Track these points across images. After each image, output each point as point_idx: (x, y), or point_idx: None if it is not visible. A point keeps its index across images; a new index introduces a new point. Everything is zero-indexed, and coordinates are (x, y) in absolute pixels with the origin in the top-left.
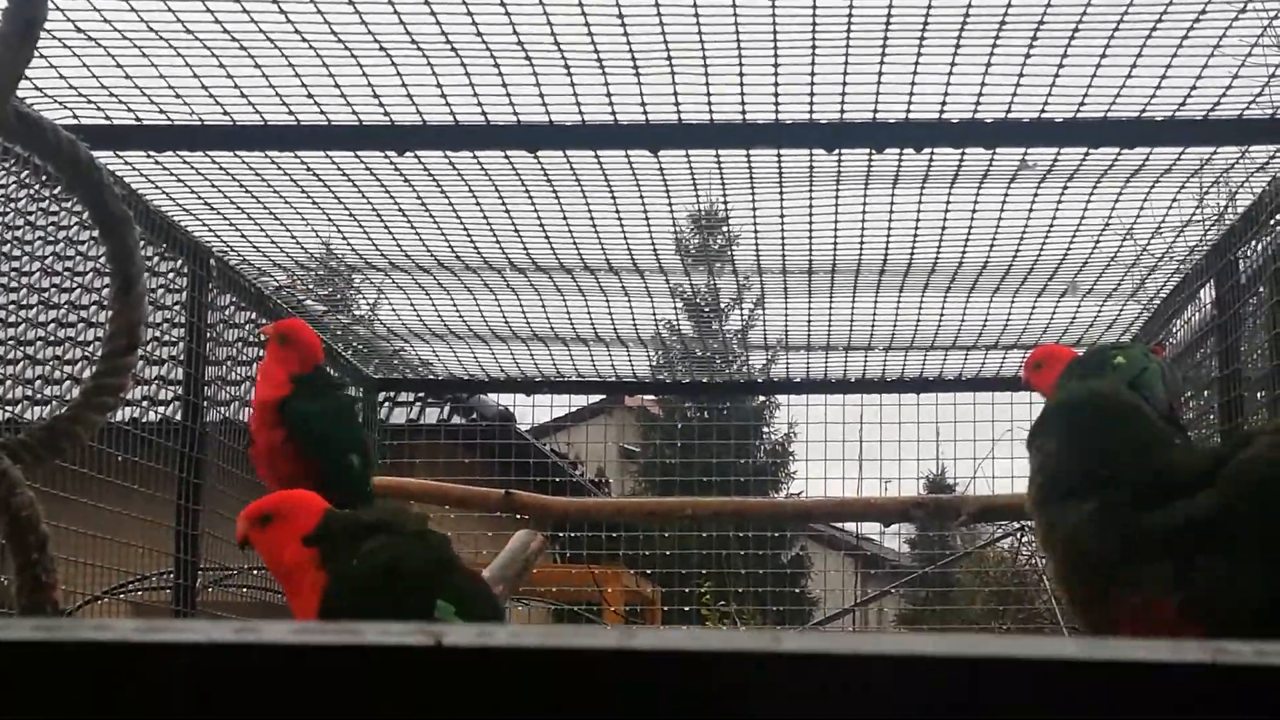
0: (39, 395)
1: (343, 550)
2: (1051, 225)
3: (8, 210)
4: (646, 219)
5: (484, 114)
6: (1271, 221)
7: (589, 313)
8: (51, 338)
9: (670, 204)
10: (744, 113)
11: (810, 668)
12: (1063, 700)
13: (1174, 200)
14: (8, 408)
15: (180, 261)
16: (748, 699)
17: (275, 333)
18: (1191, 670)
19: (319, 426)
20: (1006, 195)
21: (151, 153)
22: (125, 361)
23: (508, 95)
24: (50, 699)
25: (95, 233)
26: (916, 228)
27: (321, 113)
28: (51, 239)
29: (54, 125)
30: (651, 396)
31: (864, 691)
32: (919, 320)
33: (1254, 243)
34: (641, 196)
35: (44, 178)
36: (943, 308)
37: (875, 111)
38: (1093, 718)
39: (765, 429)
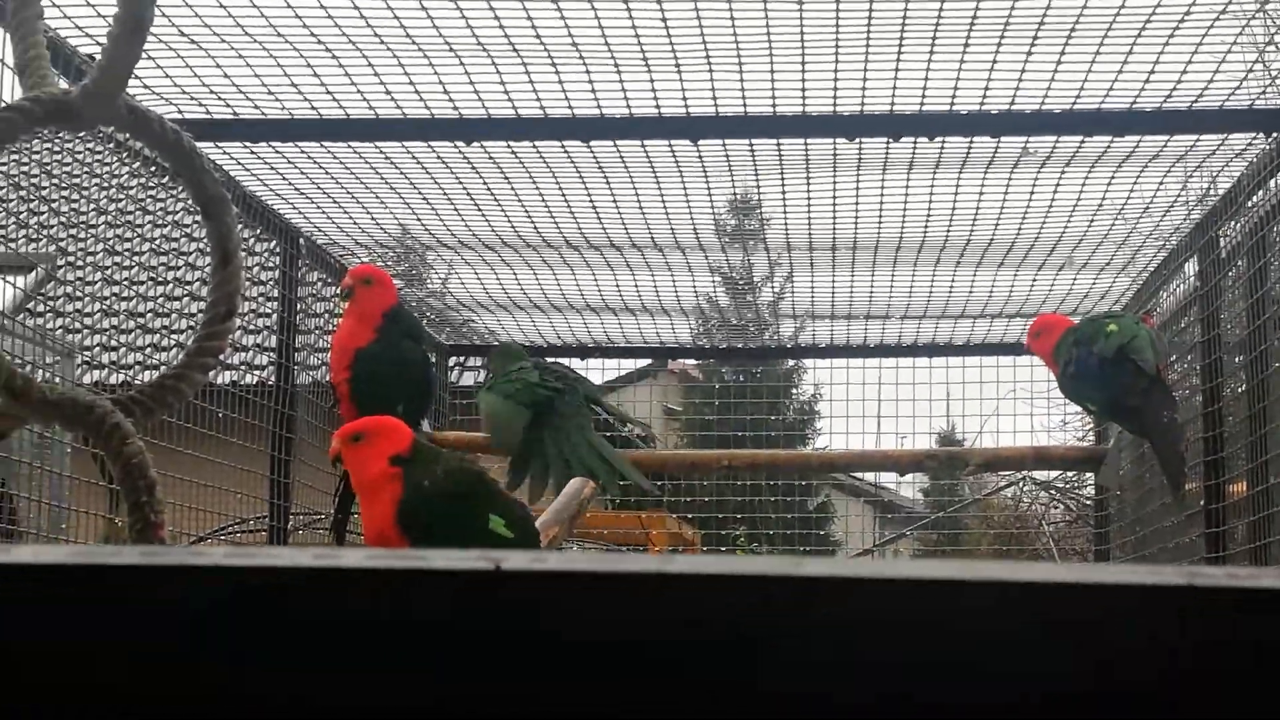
0: (149, 361)
1: (419, 471)
2: (1050, 206)
3: (121, 197)
4: (688, 202)
5: (542, 108)
6: (1249, 202)
7: (636, 286)
8: (161, 310)
9: (709, 188)
10: (774, 106)
11: (829, 589)
12: (1056, 620)
13: (1161, 183)
14: (123, 370)
15: (274, 241)
16: (775, 617)
17: (359, 276)
18: (1172, 592)
19: (376, 375)
20: (1010, 179)
21: (247, 143)
22: (224, 327)
23: (563, 91)
24: (151, 618)
25: (198, 215)
26: (929, 209)
27: (397, 107)
28: (160, 222)
29: (161, 118)
30: (692, 361)
31: (874, 611)
32: (931, 291)
33: (1233, 222)
34: (683, 182)
35: (153, 167)
36: (952, 280)
37: (892, 104)
38: (1083, 636)
39: (794, 390)
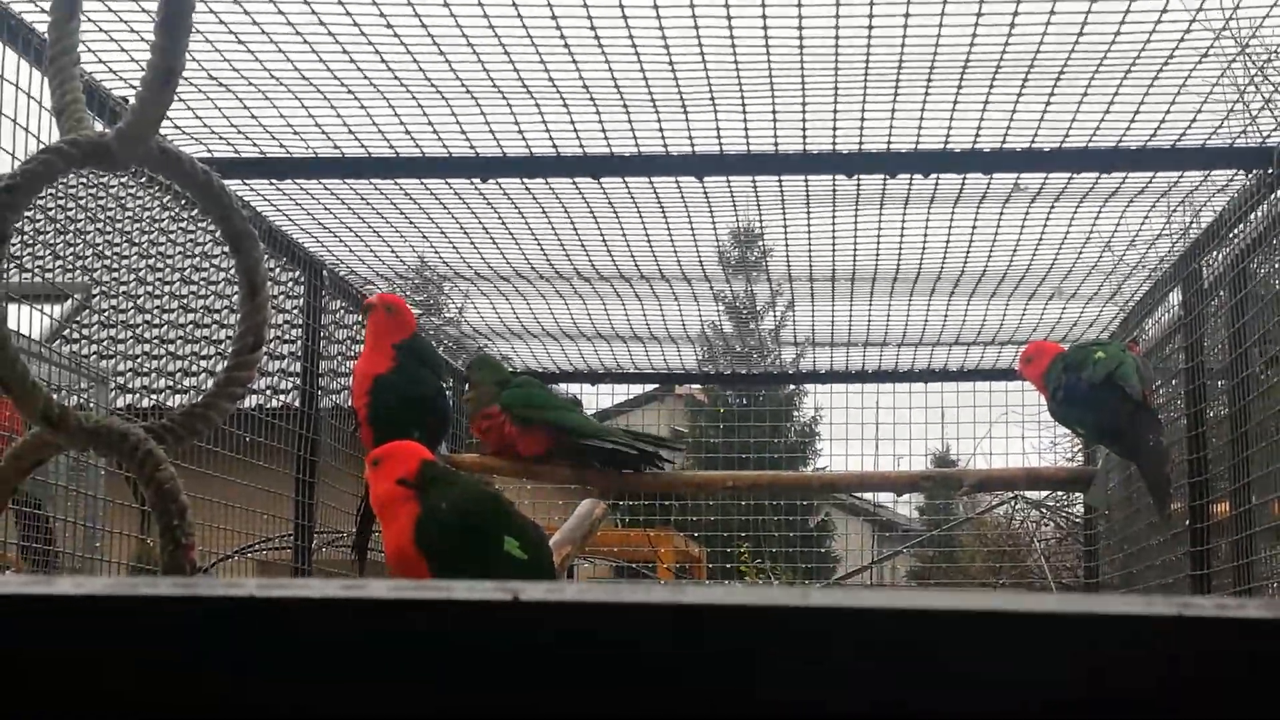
0: (179, 386)
1: (434, 494)
2: (1040, 238)
3: (152, 229)
4: (693, 235)
5: (555, 146)
6: (1231, 235)
7: (644, 314)
8: (189, 337)
9: (714, 222)
10: (776, 144)
11: (834, 618)
12: (1047, 650)
13: (1146, 217)
14: (154, 395)
15: (298, 272)
16: (783, 644)
17: (383, 303)
18: (1161, 622)
19: (393, 402)
20: (1002, 213)
21: (273, 180)
22: (252, 357)
23: (575, 130)
24: (182, 646)
25: (225, 248)
26: (924, 241)
27: (416, 145)
28: (189, 254)
29: (191, 158)
30: (698, 386)
31: (879, 640)
32: (926, 320)
33: (1215, 254)
34: (689, 216)
35: (182, 202)
36: (946, 309)
37: (889, 142)
38: (1074, 666)
39: (795, 413)
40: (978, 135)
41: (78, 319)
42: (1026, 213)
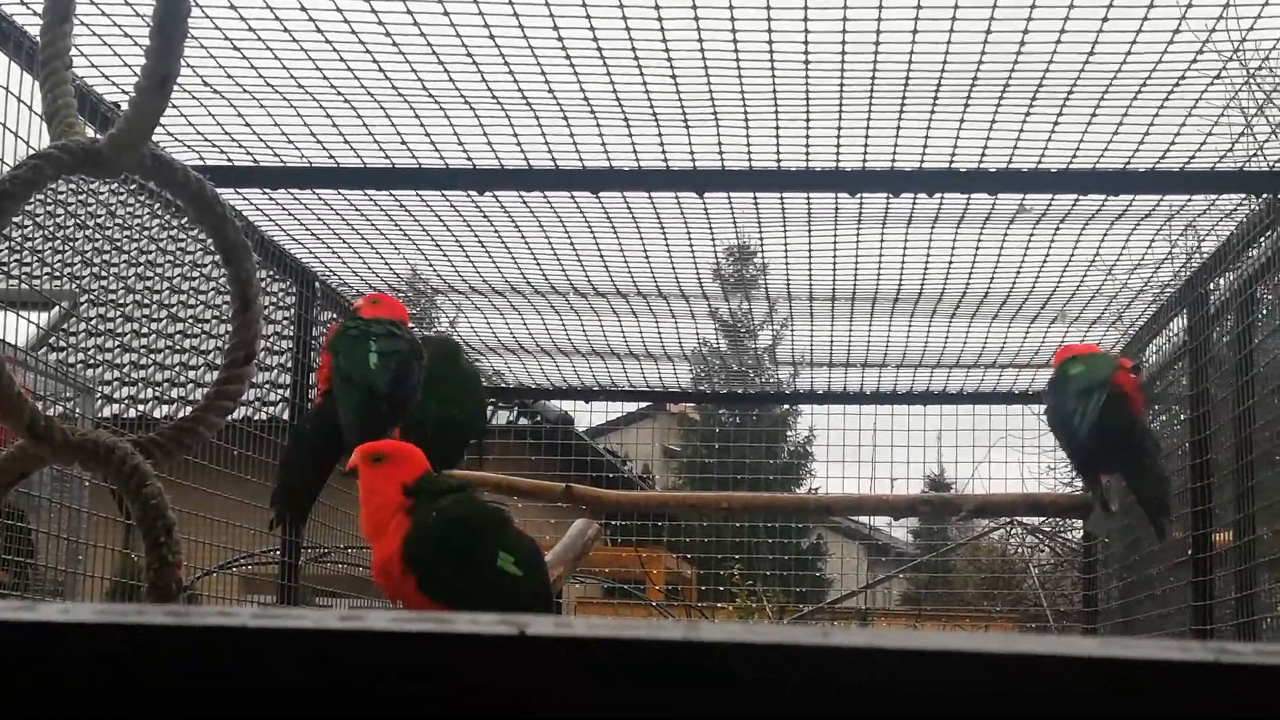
0: (166, 396)
1: (430, 504)
2: (1045, 261)
3: (140, 236)
4: (692, 251)
5: (553, 159)
6: (1238, 260)
7: (639, 331)
8: (177, 347)
9: (713, 238)
10: (779, 160)
11: (856, 658)
12: (1075, 695)
13: (1152, 241)
14: (140, 405)
15: (289, 282)
16: (798, 682)
17: (366, 300)
18: (1197, 669)
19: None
20: (1006, 234)
21: (266, 189)
22: (243, 371)
23: (574, 143)
24: (173, 677)
25: (216, 257)
26: (927, 261)
27: (413, 156)
28: (178, 262)
29: (184, 166)
30: (691, 404)
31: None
32: (926, 342)
33: (1221, 279)
34: (688, 232)
35: (171, 209)
36: (947, 331)
37: (893, 161)
38: (1105, 713)
39: (789, 433)
40: (984, 155)
41: (64, 327)
42: (1031, 234)
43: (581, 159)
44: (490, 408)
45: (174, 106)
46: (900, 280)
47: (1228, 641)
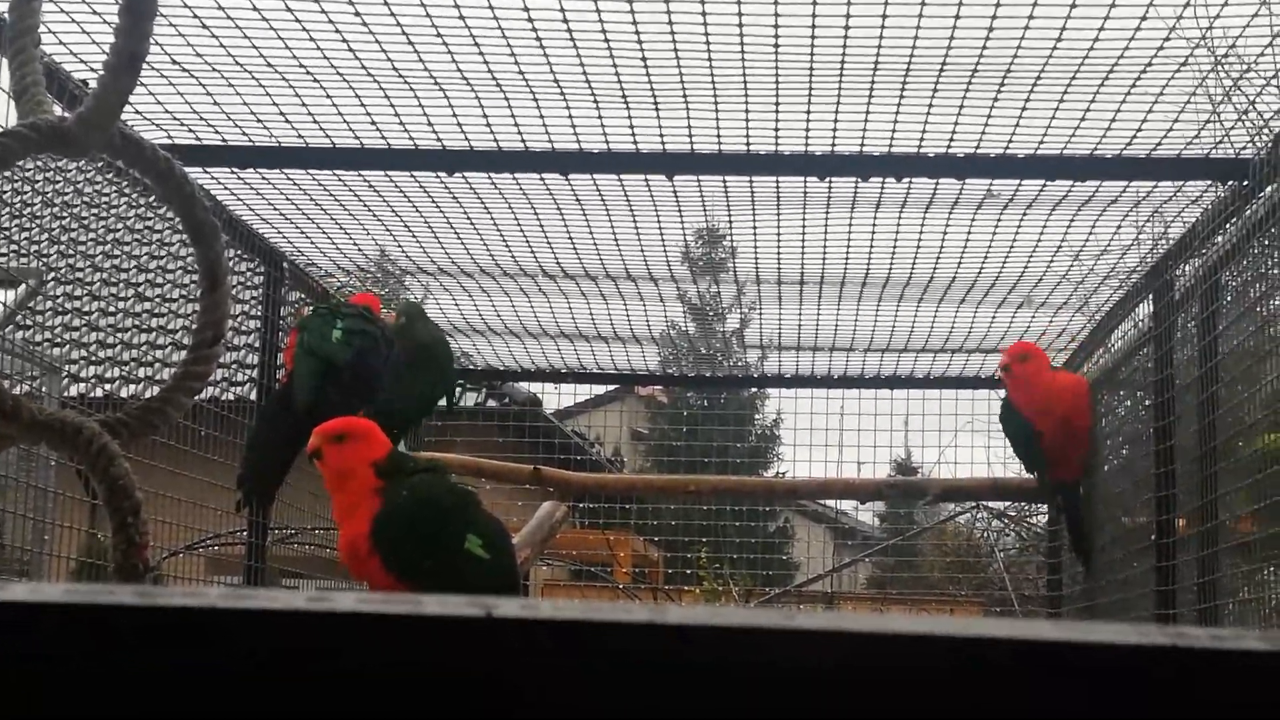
0: (132, 376)
1: (398, 484)
2: (1012, 245)
3: (109, 215)
4: (661, 234)
5: (523, 141)
6: (1204, 247)
7: (608, 313)
8: (144, 326)
9: (682, 221)
10: (748, 144)
11: (818, 640)
12: (1036, 678)
13: (1119, 227)
14: (106, 385)
15: (257, 263)
16: (767, 665)
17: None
18: (1155, 652)
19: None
20: (973, 219)
21: (235, 169)
22: (211, 352)
23: (544, 125)
24: (141, 657)
25: (183, 237)
26: (894, 245)
27: (382, 137)
28: (145, 241)
29: (152, 145)
30: (659, 387)
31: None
32: (894, 326)
33: (1187, 265)
34: (657, 214)
35: (141, 188)
36: (915, 315)
37: (862, 145)
38: (1065, 696)
39: (757, 416)
40: (952, 140)
41: (30, 305)
42: (998, 219)
43: (551, 141)
44: (458, 390)
45: (143, 84)
46: (868, 264)
47: (1186, 626)
